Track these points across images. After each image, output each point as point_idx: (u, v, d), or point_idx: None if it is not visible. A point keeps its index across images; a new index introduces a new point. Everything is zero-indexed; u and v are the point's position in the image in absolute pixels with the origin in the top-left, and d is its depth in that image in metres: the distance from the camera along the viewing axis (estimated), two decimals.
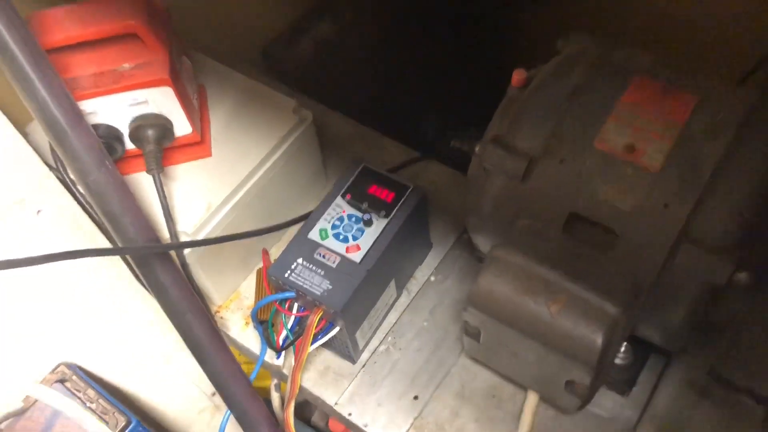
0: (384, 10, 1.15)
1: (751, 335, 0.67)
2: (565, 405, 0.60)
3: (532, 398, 0.64)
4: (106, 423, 0.70)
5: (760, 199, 0.50)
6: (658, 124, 0.53)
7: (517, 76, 0.60)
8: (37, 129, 0.69)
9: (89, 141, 0.55)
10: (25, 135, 0.66)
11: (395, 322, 0.76)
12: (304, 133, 0.75)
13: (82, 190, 0.61)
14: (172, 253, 0.66)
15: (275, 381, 0.76)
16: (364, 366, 0.74)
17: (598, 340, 0.51)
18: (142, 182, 0.69)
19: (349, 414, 0.71)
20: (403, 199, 0.69)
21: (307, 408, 1.14)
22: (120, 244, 0.59)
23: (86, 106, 0.63)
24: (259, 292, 0.77)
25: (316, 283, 0.65)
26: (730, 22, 0.94)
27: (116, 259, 0.73)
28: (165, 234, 0.66)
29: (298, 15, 1.14)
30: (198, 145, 0.71)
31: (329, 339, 0.69)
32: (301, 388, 0.73)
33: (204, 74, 0.79)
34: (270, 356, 0.73)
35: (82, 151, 0.55)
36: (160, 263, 0.61)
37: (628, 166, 0.52)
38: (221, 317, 0.78)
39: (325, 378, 0.73)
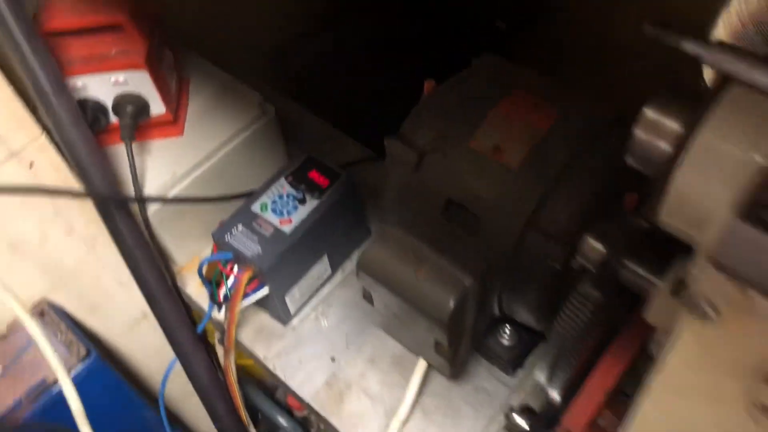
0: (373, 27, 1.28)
1: None
2: (439, 367, 0.69)
3: (421, 364, 0.74)
4: (69, 352, 0.83)
5: (597, 197, 0.60)
6: (522, 130, 0.63)
7: (427, 85, 0.71)
8: None
9: (68, 105, 0.69)
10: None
11: (327, 295, 0.87)
12: (265, 124, 0.87)
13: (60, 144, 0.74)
14: (136, 210, 0.79)
15: (218, 335, 0.87)
16: (294, 329, 0.85)
17: (451, 302, 0.61)
18: (122, 153, 0.82)
19: (274, 367, 0.82)
20: (335, 185, 0.80)
21: (272, 383, 1.25)
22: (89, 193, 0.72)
23: (79, 81, 0.77)
24: None
25: (249, 247, 0.76)
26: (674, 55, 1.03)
27: None
28: (131, 193, 0.79)
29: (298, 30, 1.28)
30: (171, 125, 0.84)
31: (265, 300, 0.80)
32: (238, 343, 0.84)
33: (190, 68, 0.92)
34: (216, 313, 0.85)
35: (61, 113, 0.68)
36: (120, 215, 0.74)
37: (493, 163, 0.63)
38: (182, 277, 0.90)
39: (259, 335, 0.85)
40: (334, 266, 0.87)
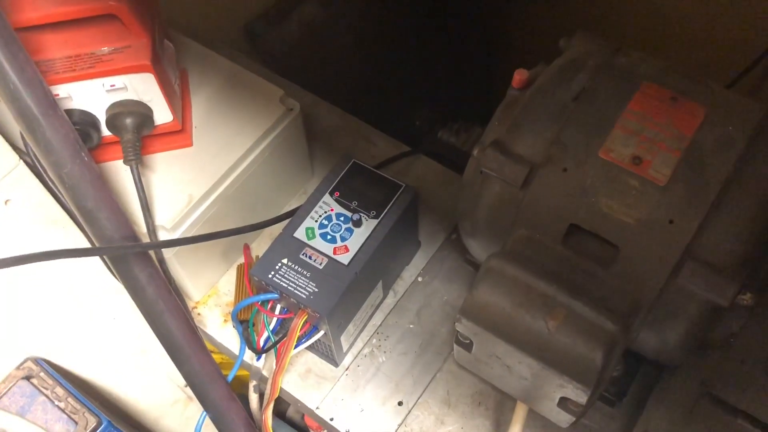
0: None
1: (742, 351, 0.66)
2: (557, 420, 0.58)
3: (521, 411, 0.62)
4: (76, 423, 0.67)
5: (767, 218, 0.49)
6: (665, 134, 0.51)
7: (519, 76, 0.58)
8: (3, 110, 0.65)
9: (64, 131, 0.51)
10: None
11: (380, 324, 0.74)
12: (290, 124, 0.71)
13: (55, 182, 0.57)
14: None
15: (254, 382, 0.73)
16: (347, 369, 0.71)
17: (598, 359, 0.49)
18: (119, 171, 0.66)
19: (331, 419, 0.69)
20: (394, 199, 0.66)
21: (282, 402, 1.11)
22: (95, 242, 0.55)
23: (60, 90, 0.59)
24: (239, 290, 0.74)
25: (302, 286, 0.62)
26: (724, 20, 0.93)
27: None
28: (143, 228, 0.63)
29: None
30: (179, 134, 0.68)
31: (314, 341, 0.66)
32: (282, 391, 0.70)
33: (186, 57, 0.74)
34: (249, 357, 0.70)
35: (55, 141, 0.51)
36: (136, 261, 0.57)
37: (633, 178, 0.50)
38: (198, 313, 0.75)
39: (306, 381, 0.71)
40: (386, 289, 0.74)
